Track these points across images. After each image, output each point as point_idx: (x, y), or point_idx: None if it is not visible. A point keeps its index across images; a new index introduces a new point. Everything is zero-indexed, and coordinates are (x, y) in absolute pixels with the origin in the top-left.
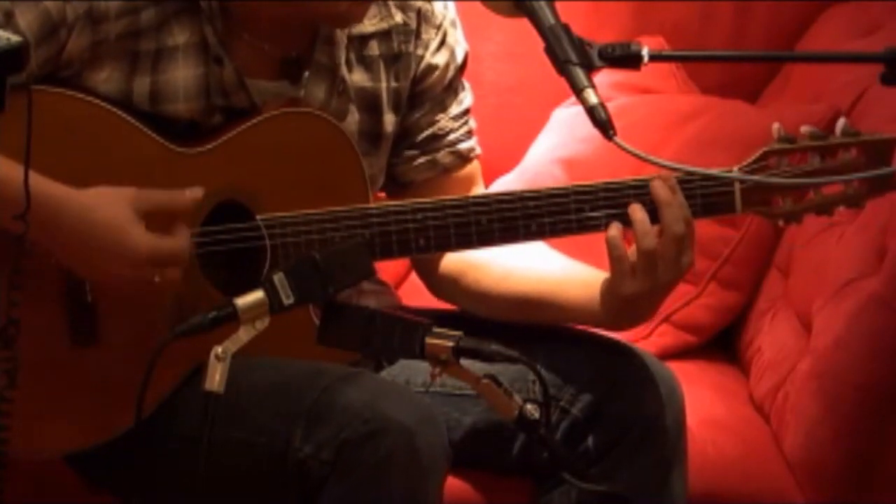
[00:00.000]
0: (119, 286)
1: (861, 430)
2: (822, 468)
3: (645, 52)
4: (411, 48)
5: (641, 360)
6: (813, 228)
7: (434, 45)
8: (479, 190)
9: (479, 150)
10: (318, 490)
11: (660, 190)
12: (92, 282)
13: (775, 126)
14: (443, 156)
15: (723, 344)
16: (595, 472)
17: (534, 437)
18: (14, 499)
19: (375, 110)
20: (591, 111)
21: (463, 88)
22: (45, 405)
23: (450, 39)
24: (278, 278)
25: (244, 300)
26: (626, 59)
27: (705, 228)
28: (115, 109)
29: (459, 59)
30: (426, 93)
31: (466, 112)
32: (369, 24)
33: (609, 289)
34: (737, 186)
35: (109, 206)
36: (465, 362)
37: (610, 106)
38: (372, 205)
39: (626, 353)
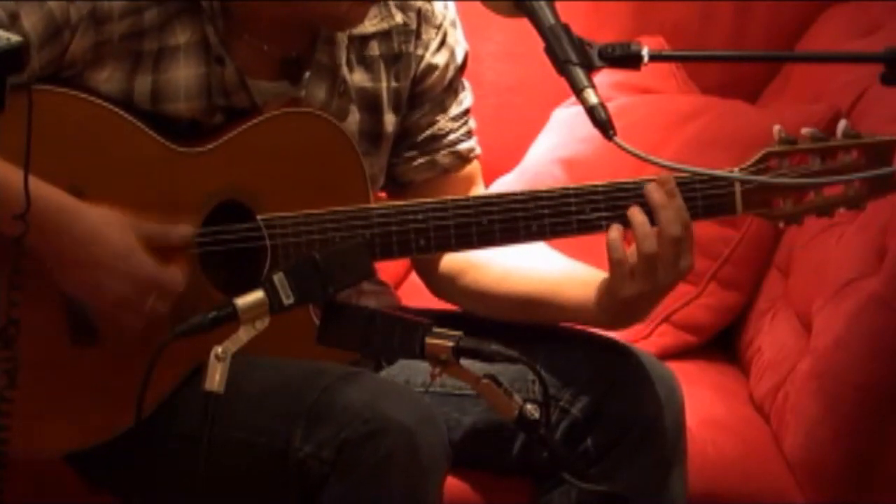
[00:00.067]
0: (115, 306)
1: (861, 430)
2: (822, 468)
3: (645, 52)
4: (411, 48)
5: (641, 361)
6: (813, 229)
7: (434, 45)
8: (479, 190)
9: (478, 151)
10: (318, 490)
11: (654, 193)
12: (86, 301)
13: (776, 128)
14: (442, 156)
15: (723, 344)
16: (595, 472)
17: (534, 437)
18: (14, 499)
19: (376, 110)
20: (591, 111)
21: (463, 88)
22: (45, 405)
23: (450, 39)
24: (278, 278)
25: (244, 300)
26: (626, 59)
27: (705, 229)
28: (116, 109)
29: (459, 59)
30: (426, 93)
31: (466, 112)
32: (370, 25)
33: (608, 290)
34: (737, 188)
35: (118, 225)
36: (465, 362)
37: (610, 106)
38: (372, 205)
39: (625, 354)
